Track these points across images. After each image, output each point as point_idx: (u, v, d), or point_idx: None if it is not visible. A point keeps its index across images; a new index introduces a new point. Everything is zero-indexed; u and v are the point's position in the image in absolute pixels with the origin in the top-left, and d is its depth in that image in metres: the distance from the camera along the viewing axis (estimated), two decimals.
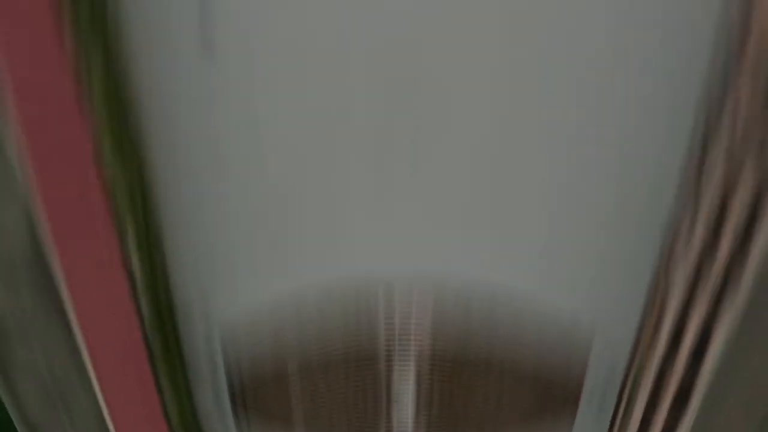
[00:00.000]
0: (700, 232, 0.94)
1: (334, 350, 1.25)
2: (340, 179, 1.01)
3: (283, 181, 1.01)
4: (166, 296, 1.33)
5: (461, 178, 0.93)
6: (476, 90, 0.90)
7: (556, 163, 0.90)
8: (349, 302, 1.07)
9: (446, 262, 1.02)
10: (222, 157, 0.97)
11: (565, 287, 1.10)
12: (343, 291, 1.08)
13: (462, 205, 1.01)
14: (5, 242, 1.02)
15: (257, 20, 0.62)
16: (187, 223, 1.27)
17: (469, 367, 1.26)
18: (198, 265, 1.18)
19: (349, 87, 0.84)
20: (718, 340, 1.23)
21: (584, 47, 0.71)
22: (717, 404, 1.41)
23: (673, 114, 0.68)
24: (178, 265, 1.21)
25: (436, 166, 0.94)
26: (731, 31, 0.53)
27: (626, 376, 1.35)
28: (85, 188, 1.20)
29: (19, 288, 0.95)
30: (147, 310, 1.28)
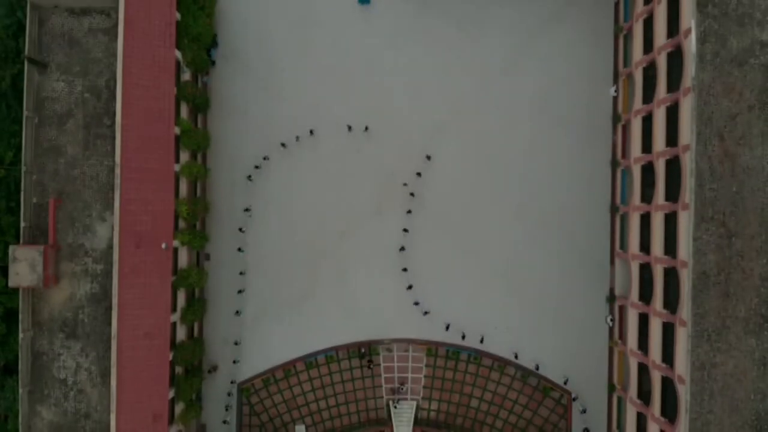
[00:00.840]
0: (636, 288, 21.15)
1: (340, 406, 25.20)
2: (354, 278, 26.77)
3: (303, 266, 32.31)
4: (199, 358, 22.68)
5: (450, 271, 30.28)
6: (453, 217, 30.26)
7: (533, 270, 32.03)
8: (354, 360, 23.95)
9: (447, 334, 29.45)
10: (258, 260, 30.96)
11: (539, 345, 29.19)
12: (348, 352, 25.28)
13: (446, 295, 30.70)
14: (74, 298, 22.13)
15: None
16: (223, 304, 27.92)
17: (460, 416, 25.08)
18: (228, 332, 26.61)
19: (360, 225, 28.09)
20: (681, 342, 18.32)
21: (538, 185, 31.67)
22: (703, 409, 18.54)
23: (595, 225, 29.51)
24: (212, 333, 27.20)
25: (425, 262, 29.08)
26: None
27: (609, 409, 22.62)
28: (158, 266, 23.25)
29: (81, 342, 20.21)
30: (181, 370, 19.95)
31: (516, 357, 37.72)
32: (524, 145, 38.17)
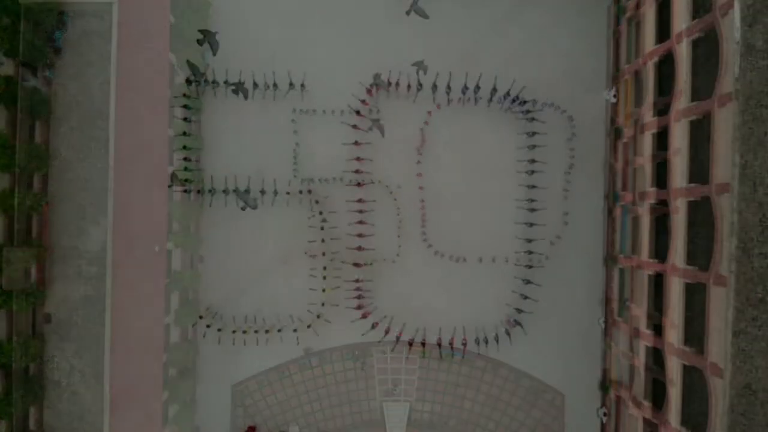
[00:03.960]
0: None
1: (334, 407, 25.84)
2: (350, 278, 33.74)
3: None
4: (193, 361, 23.05)
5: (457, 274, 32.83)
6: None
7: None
8: (347, 363, 24.32)
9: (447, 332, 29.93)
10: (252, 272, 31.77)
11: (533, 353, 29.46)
12: (342, 354, 25.26)
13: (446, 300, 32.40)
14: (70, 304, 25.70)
15: None
16: (217, 305, 28.72)
17: (453, 418, 24.52)
18: (222, 336, 27.75)
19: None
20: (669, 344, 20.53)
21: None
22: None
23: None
24: (207, 336, 27.74)
25: (417, 266, 33.42)
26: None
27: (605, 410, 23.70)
28: (151, 268, 26.51)
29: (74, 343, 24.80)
30: (174, 372, 20.87)
31: (521, 326, 37.72)
32: (520, 150, 38.34)
